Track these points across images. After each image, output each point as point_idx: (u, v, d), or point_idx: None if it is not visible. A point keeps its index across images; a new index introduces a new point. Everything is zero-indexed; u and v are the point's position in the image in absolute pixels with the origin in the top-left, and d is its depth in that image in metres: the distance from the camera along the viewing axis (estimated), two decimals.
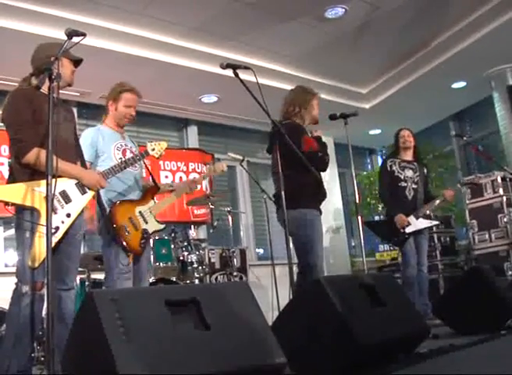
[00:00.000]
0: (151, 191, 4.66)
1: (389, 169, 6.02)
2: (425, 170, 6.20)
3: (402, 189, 5.95)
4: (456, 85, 9.62)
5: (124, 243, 4.30)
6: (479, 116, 10.49)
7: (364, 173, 11.14)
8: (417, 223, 5.84)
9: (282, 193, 3.99)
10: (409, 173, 5.99)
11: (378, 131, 11.34)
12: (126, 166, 4.28)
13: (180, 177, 8.98)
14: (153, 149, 4.47)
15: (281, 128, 3.94)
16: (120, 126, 4.63)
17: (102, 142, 4.52)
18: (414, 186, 5.97)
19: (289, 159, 4.37)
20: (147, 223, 4.50)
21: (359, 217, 4.97)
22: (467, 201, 8.26)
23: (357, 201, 4.99)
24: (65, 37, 3.35)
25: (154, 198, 4.71)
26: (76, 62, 3.88)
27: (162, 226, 4.61)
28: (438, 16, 7.61)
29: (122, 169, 4.25)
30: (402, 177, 5.98)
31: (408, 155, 6.17)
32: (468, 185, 6.92)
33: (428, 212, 6.09)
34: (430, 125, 11.04)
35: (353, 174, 5.02)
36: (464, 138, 7.37)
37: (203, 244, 7.08)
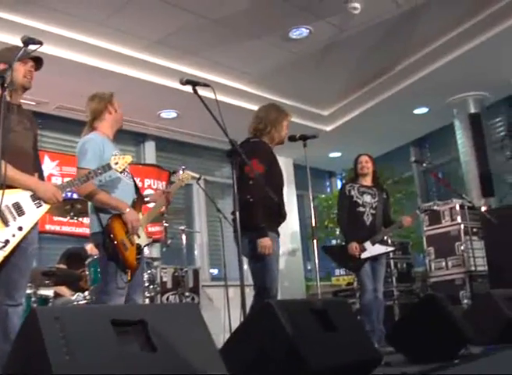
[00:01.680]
0: (138, 203, 4.58)
1: (347, 193, 6.02)
2: (385, 195, 6.20)
3: (360, 214, 5.95)
4: (418, 111, 9.60)
5: (123, 259, 4.25)
6: (440, 143, 10.53)
7: (323, 195, 11.11)
8: (373, 249, 5.85)
9: (237, 214, 3.87)
10: (367, 198, 6.00)
11: (338, 154, 11.29)
12: (86, 179, 4.09)
13: None
14: (116, 163, 4.23)
15: (238, 148, 3.83)
16: (113, 134, 4.56)
17: (105, 152, 4.42)
18: (372, 211, 5.97)
19: (246, 179, 4.37)
20: (139, 237, 4.46)
21: (314, 241, 4.91)
22: (425, 228, 8.25)
23: (314, 224, 4.95)
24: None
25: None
26: (36, 62, 3.77)
27: (151, 240, 4.61)
28: (402, 41, 7.62)
29: (83, 183, 4.07)
30: (360, 202, 5.97)
31: (367, 181, 6.18)
32: (427, 212, 6.62)
33: (385, 237, 6.16)
34: (391, 150, 10.96)
35: (311, 197, 4.94)
36: (424, 164, 7.20)
37: (155, 263, 6.90)
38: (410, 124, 9.95)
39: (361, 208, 5.98)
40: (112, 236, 4.23)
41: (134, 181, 4.67)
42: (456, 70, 8.03)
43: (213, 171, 10.18)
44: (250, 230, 4.36)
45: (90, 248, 6.57)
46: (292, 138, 4.92)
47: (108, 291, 4.20)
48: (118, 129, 4.56)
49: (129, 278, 4.29)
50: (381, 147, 10.51)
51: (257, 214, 4.36)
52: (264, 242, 4.36)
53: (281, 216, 4.71)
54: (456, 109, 9.24)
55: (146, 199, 4.82)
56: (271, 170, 4.56)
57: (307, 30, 7.17)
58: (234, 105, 8.24)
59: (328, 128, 9.91)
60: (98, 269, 4.86)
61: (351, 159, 6.38)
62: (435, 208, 6.55)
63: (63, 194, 3.84)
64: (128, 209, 4.30)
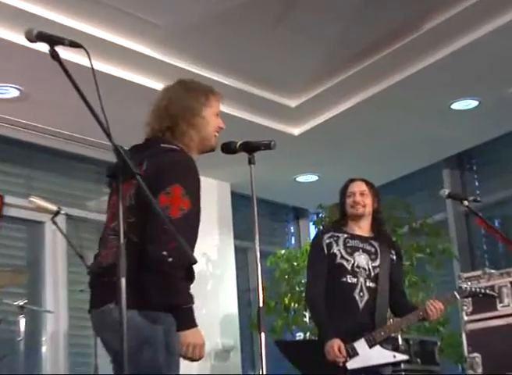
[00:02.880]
0: None
1: (325, 250, 4.95)
2: (394, 254, 5.03)
3: (348, 288, 4.84)
4: (459, 105, 7.28)
5: None
6: (496, 163, 8.61)
7: (283, 251, 8.58)
8: (369, 355, 4.76)
9: (123, 280, 2.65)
10: (362, 259, 4.93)
11: (312, 178, 9.08)
12: None
13: None
14: None
15: (128, 160, 2.69)
16: None
17: None
18: (370, 284, 4.87)
19: (157, 220, 3.21)
20: None
21: (262, 334, 3.53)
22: (466, 318, 6.45)
23: (262, 302, 3.62)
24: None
25: None
26: None
27: None
28: None
29: None
30: (349, 267, 4.93)
31: (363, 227, 5.05)
32: (476, 295, 5.08)
33: (393, 334, 5.20)
34: (406, 174, 8.83)
35: (258, 254, 3.62)
36: (466, 202, 5.10)
37: None
38: (444, 129, 7.78)
39: (350, 278, 4.92)
40: None
41: None
42: None
43: (83, 199, 7.97)
44: (162, 311, 3.22)
45: None
46: (229, 148, 3.75)
47: None
48: None
49: None
50: (389, 169, 8.66)
51: (180, 285, 3.19)
52: (193, 339, 3.21)
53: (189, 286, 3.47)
54: None
55: None
56: (197, 210, 3.37)
57: None
58: (130, 81, 6.66)
59: (297, 130, 7.90)
60: None
61: (335, 188, 5.25)
62: (489, 292, 5.04)
63: None
64: None
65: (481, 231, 8.53)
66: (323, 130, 7.70)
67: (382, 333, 4.86)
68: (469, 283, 5.89)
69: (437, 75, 6.64)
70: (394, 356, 4.94)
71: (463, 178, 8.94)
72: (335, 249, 5.02)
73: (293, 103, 7.47)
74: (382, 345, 4.87)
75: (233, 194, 8.76)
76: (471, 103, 7.18)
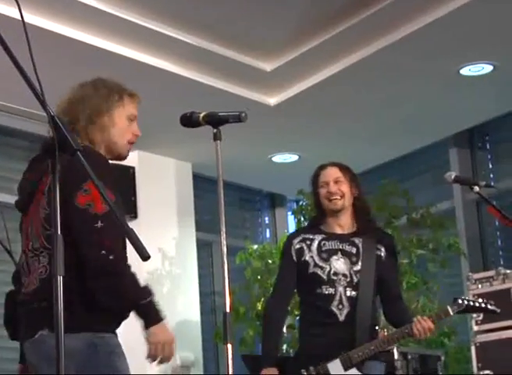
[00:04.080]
0: None
1: (295, 258, 4.71)
2: (383, 249, 4.70)
3: (324, 301, 4.59)
4: (469, 70, 6.75)
5: None
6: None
7: (255, 246, 7.90)
8: None
9: (59, 279, 2.45)
10: (340, 263, 4.67)
11: (291, 158, 8.42)
12: None
13: None
14: None
15: (67, 133, 2.53)
16: None
17: None
18: (352, 293, 4.60)
19: (89, 214, 3.34)
20: None
21: (229, 345, 3.23)
22: (475, 328, 5.91)
23: (228, 308, 3.30)
24: None
25: None
26: None
27: None
28: None
29: None
30: (324, 276, 4.65)
31: (343, 222, 4.77)
32: (475, 309, 4.75)
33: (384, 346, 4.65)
34: (405, 154, 8.20)
35: (224, 249, 3.38)
36: (477, 188, 4.52)
37: None
38: (451, 100, 7.17)
39: (327, 289, 4.63)
40: None
41: None
42: None
43: (11, 182, 6.77)
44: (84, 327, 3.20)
45: None
46: (190, 120, 3.62)
47: None
48: None
49: None
50: (384, 148, 8.03)
51: (129, 281, 3.19)
52: (160, 336, 3.22)
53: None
54: None
55: None
56: (118, 203, 3.29)
57: None
58: (73, 38, 5.96)
59: (273, 100, 7.39)
60: None
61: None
62: (491, 307, 4.70)
63: None
64: None
65: (495, 223, 7.95)
66: (304, 100, 7.08)
67: (360, 354, 4.56)
68: (479, 286, 5.78)
69: (441, 34, 6.06)
70: None
71: (473, 159, 8.30)
72: (307, 256, 4.75)
73: (268, 66, 6.87)
74: (358, 368, 4.58)
75: (195, 177, 8.17)
76: (484, 68, 6.57)
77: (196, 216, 8.17)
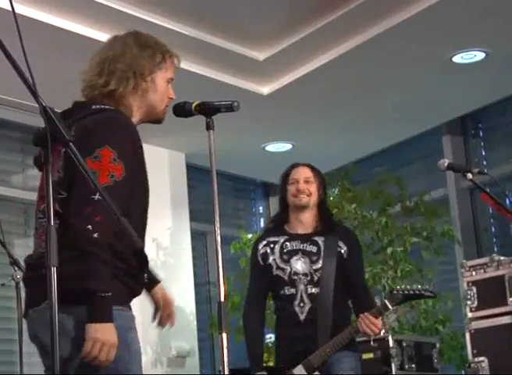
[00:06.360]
0: None
1: (261, 262, 4.90)
2: (344, 246, 4.87)
3: (287, 301, 4.78)
4: (461, 57, 6.83)
5: None
6: (506, 128, 8.06)
7: (249, 236, 7.98)
8: None
9: (54, 285, 2.52)
10: (300, 263, 4.84)
11: (284, 147, 8.54)
12: None
13: None
14: None
15: (59, 124, 2.56)
16: None
17: None
18: (313, 290, 4.76)
19: (85, 189, 3.22)
20: None
21: (224, 334, 3.38)
22: (470, 315, 6.06)
23: (223, 298, 3.43)
24: None
25: None
26: None
27: None
28: None
29: None
30: (285, 277, 4.85)
31: (306, 220, 4.92)
32: (401, 299, 4.85)
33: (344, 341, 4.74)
34: (398, 142, 8.26)
35: (219, 239, 3.45)
36: (470, 175, 4.51)
37: None
38: (444, 87, 7.28)
39: (288, 289, 4.85)
40: None
41: None
42: None
43: (4, 174, 7.25)
44: (78, 299, 3.03)
45: None
46: (182, 110, 3.65)
47: None
48: None
49: None
50: (377, 136, 8.12)
51: (102, 268, 2.99)
52: (103, 335, 2.97)
53: (142, 277, 3.32)
54: None
55: None
56: (137, 177, 3.24)
57: None
58: (65, 29, 6.01)
59: (266, 89, 7.52)
60: None
61: (312, 159, 5.31)
62: (427, 293, 4.97)
63: None
64: None
65: (489, 210, 8.07)
66: (297, 89, 7.13)
67: (318, 358, 4.71)
68: (473, 273, 5.90)
69: (433, 22, 6.12)
70: None
71: (466, 146, 8.39)
72: (270, 259, 4.91)
73: (261, 55, 6.97)
74: (320, 370, 4.71)
75: (189, 167, 8.25)
76: (476, 55, 6.58)
77: (190, 206, 8.25)
